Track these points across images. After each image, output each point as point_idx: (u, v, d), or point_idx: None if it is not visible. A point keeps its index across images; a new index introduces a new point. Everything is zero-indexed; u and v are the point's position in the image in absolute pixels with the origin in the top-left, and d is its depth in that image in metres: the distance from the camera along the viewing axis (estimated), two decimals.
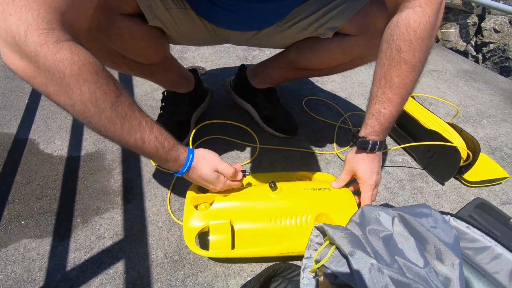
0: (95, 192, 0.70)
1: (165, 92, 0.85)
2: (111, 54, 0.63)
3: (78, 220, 0.64)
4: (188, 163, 0.53)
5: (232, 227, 0.55)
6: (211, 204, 0.58)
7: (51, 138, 0.82)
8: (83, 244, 0.59)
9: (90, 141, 0.82)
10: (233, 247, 0.53)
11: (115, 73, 1.00)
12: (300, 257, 0.55)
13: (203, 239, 0.60)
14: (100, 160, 0.78)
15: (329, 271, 0.33)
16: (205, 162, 0.55)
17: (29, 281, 0.53)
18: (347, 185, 0.63)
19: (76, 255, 0.58)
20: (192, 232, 0.54)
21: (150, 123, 0.47)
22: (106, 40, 0.58)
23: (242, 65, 0.94)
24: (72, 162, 0.76)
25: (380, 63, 0.55)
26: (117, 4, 0.55)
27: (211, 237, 0.53)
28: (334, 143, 0.91)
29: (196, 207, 0.58)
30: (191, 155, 0.53)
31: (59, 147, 0.80)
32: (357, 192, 0.62)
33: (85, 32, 0.52)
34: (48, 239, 0.60)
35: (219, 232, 0.53)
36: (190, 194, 0.60)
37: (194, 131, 0.71)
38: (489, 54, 2.21)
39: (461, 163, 0.78)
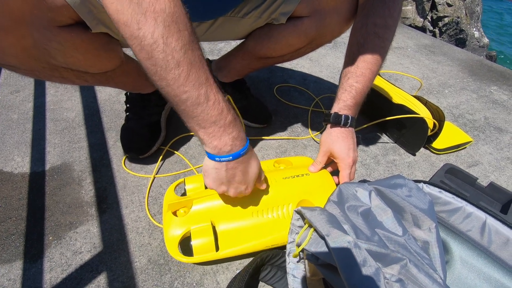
0: (65, 206, 0.66)
1: (128, 93, 0.80)
2: (58, 70, 0.54)
3: (50, 238, 0.60)
4: (248, 143, 0.46)
5: (214, 228, 0.54)
6: (190, 208, 0.55)
7: (9, 155, 0.76)
8: (59, 262, 0.56)
9: (54, 154, 0.77)
10: (217, 249, 0.52)
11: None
12: (276, 248, 0.55)
13: (188, 242, 0.58)
14: (68, 172, 0.73)
15: (310, 253, 0.33)
16: (256, 157, 0.49)
17: None
18: (325, 167, 0.64)
19: (52, 274, 0.54)
20: (174, 241, 0.52)
21: (218, 84, 0.41)
22: (47, 58, 0.50)
23: (207, 59, 0.92)
24: (37, 178, 0.71)
25: (355, 40, 0.58)
26: (50, 16, 0.46)
27: (193, 242, 0.51)
28: (309, 127, 0.92)
29: (175, 213, 0.56)
30: (247, 138, 0.47)
31: (19, 164, 0.74)
32: (336, 172, 0.62)
33: (21, 52, 0.46)
34: (19, 262, 0.56)
35: (201, 236, 0.52)
36: (167, 200, 0.57)
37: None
38: (444, 28, 2.33)
39: (429, 133, 0.82)
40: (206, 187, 0.60)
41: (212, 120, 0.41)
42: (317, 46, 0.76)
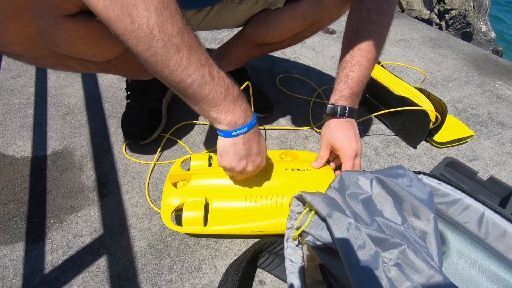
0: (67, 190, 0.66)
1: (129, 80, 0.80)
2: (62, 58, 0.54)
3: (52, 221, 0.60)
4: (255, 118, 0.46)
5: (207, 204, 0.56)
6: (189, 181, 0.58)
7: (11, 139, 0.76)
8: (60, 245, 0.57)
9: (56, 139, 0.77)
10: (206, 224, 0.54)
11: None
12: (274, 236, 0.56)
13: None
14: (69, 157, 0.73)
15: (310, 237, 0.34)
16: (261, 134, 0.50)
17: None
18: (328, 163, 0.63)
19: (54, 256, 0.55)
20: (169, 209, 0.55)
21: (215, 61, 0.41)
22: (51, 47, 0.50)
23: (207, 49, 0.91)
24: (38, 162, 0.72)
25: (350, 27, 0.56)
26: (55, 3, 0.45)
27: (184, 214, 0.54)
28: (310, 118, 0.92)
29: (175, 184, 0.59)
30: (255, 113, 0.47)
31: (21, 148, 0.75)
32: (340, 167, 0.61)
33: (25, 40, 0.45)
34: (21, 244, 0.56)
35: (193, 209, 0.54)
36: (170, 171, 0.60)
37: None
38: (451, 21, 2.29)
39: (431, 126, 0.81)
40: (210, 165, 0.62)
41: (222, 96, 0.41)
42: (317, 30, 0.75)
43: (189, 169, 0.63)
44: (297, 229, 0.36)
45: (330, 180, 0.58)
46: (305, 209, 0.37)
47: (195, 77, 0.38)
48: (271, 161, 0.60)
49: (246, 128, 0.45)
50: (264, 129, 0.87)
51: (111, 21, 0.33)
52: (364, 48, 0.56)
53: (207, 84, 0.39)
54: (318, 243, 0.32)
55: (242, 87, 0.62)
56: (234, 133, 0.45)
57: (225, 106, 0.42)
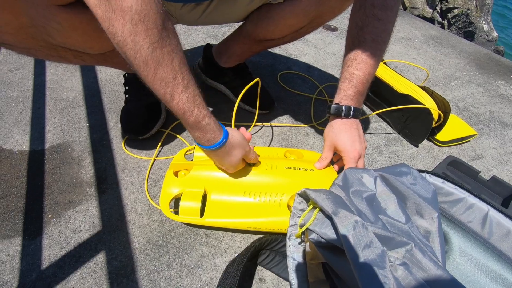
0: (65, 185, 0.65)
1: (126, 74, 0.78)
2: (55, 49, 0.53)
3: (50, 216, 0.60)
4: (222, 141, 0.49)
5: (206, 196, 0.56)
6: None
7: (8, 133, 0.75)
8: (58, 240, 0.56)
9: (54, 133, 0.76)
10: (202, 215, 0.54)
11: None
12: (269, 234, 0.56)
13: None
14: (68, 151, 0.72)
15: (314, 235, 0.33)
16: (238, 148, 0.52)
17: (0, 284, 0.50)
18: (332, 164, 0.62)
19: (51, 252, 0.54)
20: (168, 196, 0.55)
21: (187, 82, 0.42)
22: (45, 37, 0.49)
23: (207, 44, 0.90)
24: (36, 157, 0.71)
25: (354, 23, 0.55)
26: None
27: (181, 203, 0.54)
28: (312, 115, 0.91)
29: (176, 173, 0.60)
30: (224, 139, 0.49)
31: (19, 141, 0.73)
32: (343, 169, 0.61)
33: (17, 29, 0.44)
34: (18, 238, 0.55)
35: (191, 199, 0.54)
36: (173, 160, 0.61)
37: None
38: (453, 20, 2.28)
39: (433, 124, 0.80)
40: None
41: (180, 116, 0.43)
42: (319, 25, 0.73)
43: (192, 160, 0.63)
44: (301, 226, 0.36)
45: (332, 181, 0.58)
46: (308, 206, 0.36)
47: (158, 93, 0.40)
48: (266, 159, 0.60)
49: (207, 147, 0.49)
50: (270, 125, 0.86)
51: (98, 18, 0.35)
52: (369, 46, 0.54)
53: (167, 103, 0.42)
54: (322, 241, 0.32)
55: (251, 83, 0.63)
56: (206, 149, 0.49)
57: (185, 125, 0.46)
